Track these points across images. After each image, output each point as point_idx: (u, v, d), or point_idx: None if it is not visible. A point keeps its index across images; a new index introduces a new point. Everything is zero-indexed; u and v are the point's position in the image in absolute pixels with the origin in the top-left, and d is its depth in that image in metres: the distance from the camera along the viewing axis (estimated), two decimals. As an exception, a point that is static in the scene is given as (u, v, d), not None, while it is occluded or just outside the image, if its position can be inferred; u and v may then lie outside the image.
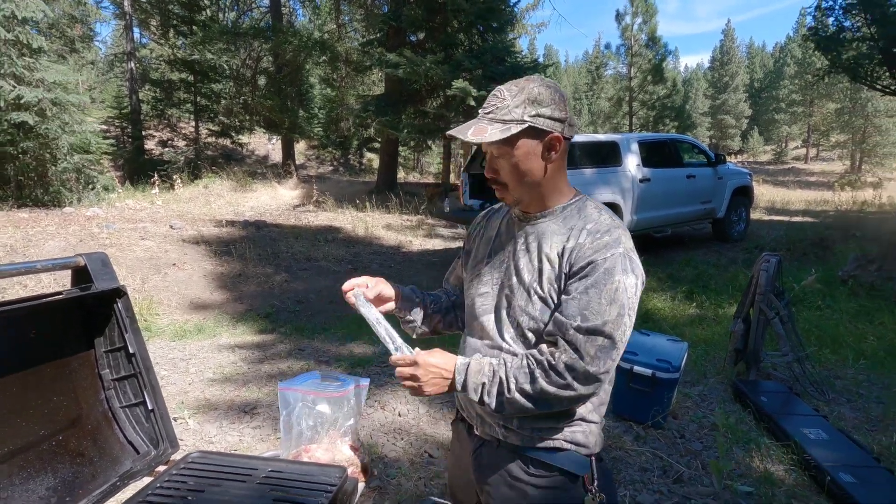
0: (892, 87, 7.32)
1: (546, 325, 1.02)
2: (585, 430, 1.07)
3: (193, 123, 18.52)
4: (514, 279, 1.07)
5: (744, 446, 2.74)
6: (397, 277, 6.85)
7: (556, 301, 1.01)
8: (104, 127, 19.09)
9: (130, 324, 1.02)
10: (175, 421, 2.98)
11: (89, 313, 1.01)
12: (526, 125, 0.99)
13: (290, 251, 7.82)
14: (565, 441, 1.05)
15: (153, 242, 7.24)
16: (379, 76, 18.31)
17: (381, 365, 3.94)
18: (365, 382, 1.15)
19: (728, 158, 10.07)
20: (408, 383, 1.00)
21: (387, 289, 1.19)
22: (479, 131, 1.00)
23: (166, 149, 17.76)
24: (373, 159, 22.11)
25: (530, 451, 1.06)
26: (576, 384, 0.95)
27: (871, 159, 33.20)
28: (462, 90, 10.70)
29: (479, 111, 1.05)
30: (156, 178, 12.74)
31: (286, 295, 6.16)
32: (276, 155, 20.72)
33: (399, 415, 3.09)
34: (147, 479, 0.97)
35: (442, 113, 12.03)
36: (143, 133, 18.33)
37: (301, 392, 1.08)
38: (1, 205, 9.39)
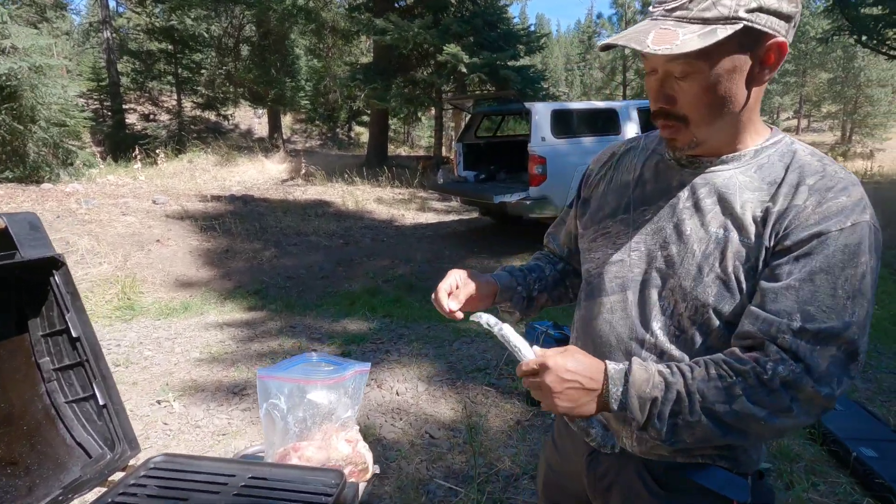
0: (899, 51, 7.10)
1: (724, 317, 0.71)
2: (746, 444, 0.78)
3: (175, 96, 17.87)
4: (675, 248, 0.75)
5: (756, 420, 2.64)
6: (391, 252, 6.66)
7: (746, 287, 0.70)
8: (82, 100, 18.38)
9: (72, 301, 0.83)
10: (159, 404, 2.82)
11: (18, 289, 0.81)
12: (739, 26, 0.65)
13: (278, 226, 7.57)
14: (719, 457, 0.77)
15: (135, 218, 6.95)
16: (367, 45, 17.72)
17: (376, 342, 3.79)
18: (365, 367, 0.97)
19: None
20: (536, 394, 0.72)
21: (484, 287, 0.91)
22: (664, 37, 0.65)
23: (149, 123, 17.16)
24: (362, 133, 21.61)
25: (669, 465, 0.78)
26: (795, 409, 0.65)
27: (862, 130, 33.21)
28: (454, 56, 10.31)
29: (655, 8, 0.70)
30: (137, 152, 12.28)
31: (276, 271, 5.96)
32: (262, 129, 20.16)
33: (397, 393, 2.94)
34: (99, 490, 0.79)
35: (433, 81, 11.64)
36: (124, 107, 17.66)
37: (286, 380, 0.90)
38: (-26, 181, 8.99)
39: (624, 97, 24.24)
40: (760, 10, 0.66)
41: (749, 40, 0.67)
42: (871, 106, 32.88)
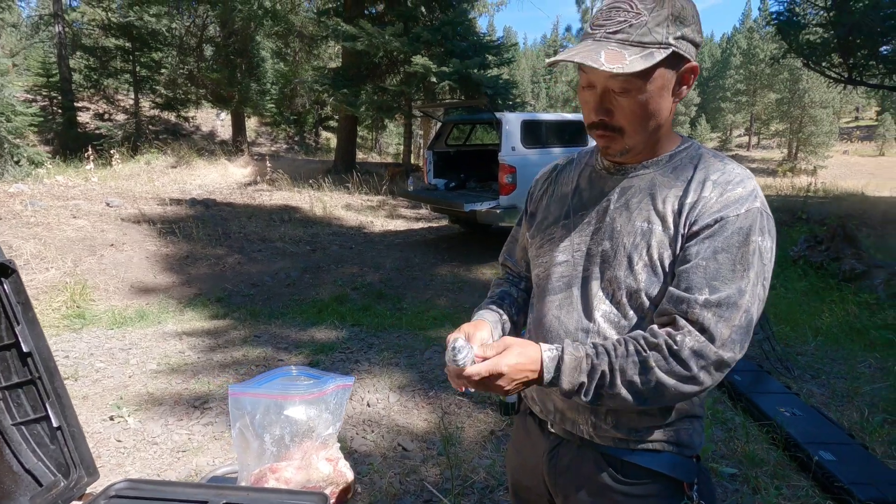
0: (843, 75, 7.59)
1: (653, 299, 0.82)
2: (689, 429, 0.88)
3: (133, 95, 17.13)
4: (608, 244, 0.86)
5: (722, 426, 2.71)
6: (359, 259, 6.56)
7: (667, 270, 0.81)
8: (29, 96, 17.36)
9: (23, 312, 0.75)
10: (112, 420, 2.64)
11: (-40, 298, 0.73)
12: (670, 50, 0.77)
13: (242, 231, 7.33)
14: (667, 443, 0.86)
15: (87, 221, 6.58)
16: (336, 51, 17.55)
17: (345, 351, 3.70)
18: (348, 381, 0.92)
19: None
20: (483, 389, 0.80)
21: (485, 334, 0.94)
22: (614, 58, 0.75)
23: (103, 122, 16.34)
24: (330, 138, 21.33)
25: (624, 453, 0.87)
26: (702, 375, 0.75)
27: (806, 148, 35.33)
28: (423, 66, 10.32)
29: (596, 30, 0.79)
30: (90, 152, 11.67)
31: (239, 278, 5.75)
32: (225, 132, 19.59)
33: (368, 405, 2.87)
34: (51, 523, 0.71)
35: (402, 89, 11.61)
36: (76, 105, 16.79)
37: (262, 396, 0.84)
38: None
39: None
40: (683, 38, 0.79)
41: (674, 63, 0.80)
42: (815, 126, 35.06)
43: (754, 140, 43.89)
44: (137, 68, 16.51)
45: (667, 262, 0.81)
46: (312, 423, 0.88)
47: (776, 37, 8.09)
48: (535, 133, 6.60)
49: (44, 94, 18.04)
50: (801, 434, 2.46)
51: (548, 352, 0.80)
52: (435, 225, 8.74)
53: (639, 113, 0.81)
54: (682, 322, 0.76)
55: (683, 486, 0.87)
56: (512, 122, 6.33)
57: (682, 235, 0.81)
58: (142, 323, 4.32)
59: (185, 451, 2.40)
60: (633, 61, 0.75)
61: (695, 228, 0.79)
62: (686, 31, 0.79)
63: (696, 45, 0.82)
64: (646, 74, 0.77)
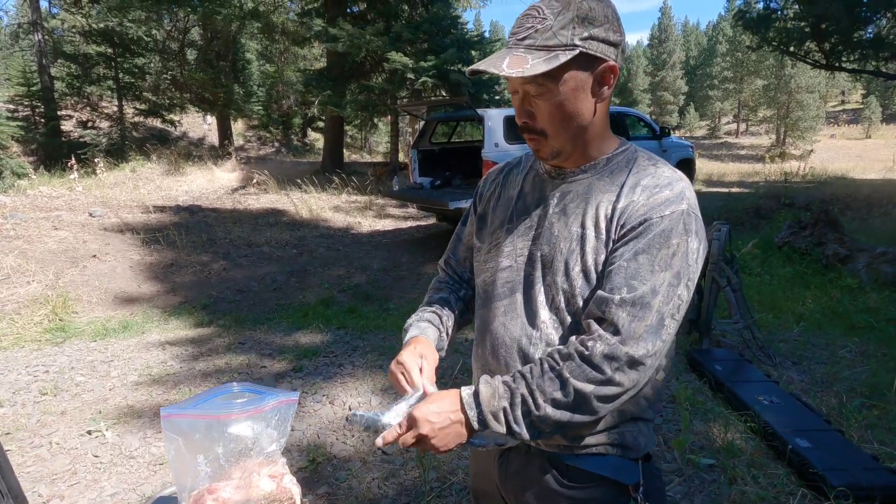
0: (822, 61, 7.64)
1: (587, 303, 0.82)
2: (635, 431, 0.88)
3: (116, 102, 16.95)
4: (546, 248, 0.87)
5: (702, 417, 2.72)
6: (346, 261, 6.54)
7: (600, 274, 0.81)
8: (10, 107, 17.14)
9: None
10: (90, 434, 2.62)
11: None
12: (576, 51, 0.78)
13: (228, 237, 7.29)
14: (611, 446, 0.87)
15: (69, 232, 6.51)
16: (321, 50, 17.45)
17: (329, 355, 3.69)
18: (292, 397, 0.91)
19: (672, 132, 10.25)
20: (417, 446, 0.80)
21: (433, 358, 0.95)
22: (517, 62, 0.77)
23: (87, 130, 16.16)
24: (317, 139, 21.21)
25: (567, 458, 0.88)
26: (617, 377, 0.75)
27: (794, 133, 35.51)
28: (399, 63, 10.27)
29: (510, 38, 0.82)
30: (74, 161, 11.55)
31: (225, 284, 5.72)
32: (213, 136, 19.44)
33: (349, 409, 2.86)
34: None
35: (385, 88, 11.56)
36: (59, 113, 16.59)
37: (197, 417, 0.83)
38: None
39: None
40: (592, 38, 0.79)
41: (586, 63, 0.80)
42: (802, 111, 35.21)
43: (742, 127, 44.07)
44: (120, 74, 16.34)
45: (600, 268, 0.82)
46: (253, 440, 0.87)
47: (746, 31, 8.13)
48: (517, 129, 6.58)
49: (25, 104, 17.81)
50: (779, 422, 2.48)
51: (465, 390, 0.81)
52: (423, 223, 8.72)
53: (557, 115, 0.82)
54: (594, 326, 0.77)
55: (628, 489, 0.87)
56: (494, 118, 6.32)
57: (613, 240, 0.81)
58: (125, 334, 4.29)
59: (163, 463, 2.38)
60: (536, 64, 0.76)
61: (622, 232, 0.80)
62: (595, 32, 0.79)
63: (612, 44, 0.81)
64: (552, 77, 0.78)
